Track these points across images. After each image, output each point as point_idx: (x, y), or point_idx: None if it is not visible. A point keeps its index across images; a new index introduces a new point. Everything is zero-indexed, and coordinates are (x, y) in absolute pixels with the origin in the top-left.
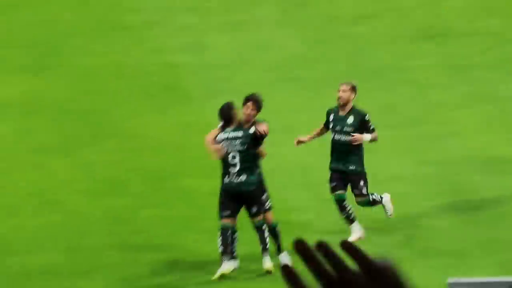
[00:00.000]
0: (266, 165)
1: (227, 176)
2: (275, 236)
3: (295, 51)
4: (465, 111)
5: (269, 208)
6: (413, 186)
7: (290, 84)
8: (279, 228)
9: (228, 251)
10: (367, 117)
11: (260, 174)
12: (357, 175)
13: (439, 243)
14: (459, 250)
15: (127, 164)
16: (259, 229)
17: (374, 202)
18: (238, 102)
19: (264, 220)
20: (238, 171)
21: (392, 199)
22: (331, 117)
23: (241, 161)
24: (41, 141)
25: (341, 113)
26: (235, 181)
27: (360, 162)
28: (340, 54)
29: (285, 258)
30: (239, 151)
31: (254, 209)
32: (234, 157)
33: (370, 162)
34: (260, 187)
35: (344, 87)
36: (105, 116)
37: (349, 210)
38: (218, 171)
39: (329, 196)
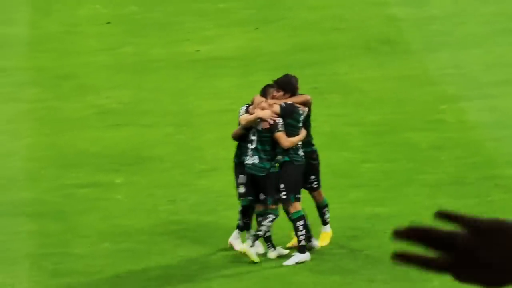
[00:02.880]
0: (485, 118)
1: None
2: (295, 229)
3: None
4: None
5: (287, 199)
6: None
7: (510, 37)
8: (302, 222)
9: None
10: None
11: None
12: None
13: None
14: None
15: (347, 118)
16: (257, 216)
17: None
18: (459, 56)
19: (264, 211)
20: (252, 149)
21: None
22: None
23: (257, 140)
24: None
25: None
26: (249, 161)
27: None
28: None
29: (299, 257)
30: (257, 130)
31: (261, 197)
32: (253, 134)
33: None
34: (271, 177)
35: None
36: (325, 70)
37: None
38: (437, 124)
39: None
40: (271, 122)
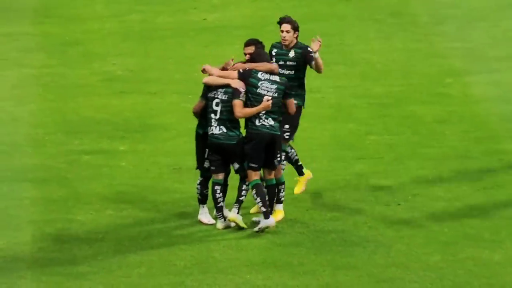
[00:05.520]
0: (491, 92)
1: (209, 126)
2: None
3: None
4: None
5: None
6: None
7: None
8: (255, 191)
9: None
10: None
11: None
12: None
13: None
14: None
15: (353, 90)
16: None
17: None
18: (465, 29)
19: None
20: (217, 120)
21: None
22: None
23: (222, 111)
24: None
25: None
26: (215, 132)
27: None
28: None
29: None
30: (221, 100)
31: (236, 166)
32: (217, 104)
33: None
34: (240, 145)
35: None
36: (332, 41)
37: None
38: (442, 98)
39: None
40: (241, 90)
